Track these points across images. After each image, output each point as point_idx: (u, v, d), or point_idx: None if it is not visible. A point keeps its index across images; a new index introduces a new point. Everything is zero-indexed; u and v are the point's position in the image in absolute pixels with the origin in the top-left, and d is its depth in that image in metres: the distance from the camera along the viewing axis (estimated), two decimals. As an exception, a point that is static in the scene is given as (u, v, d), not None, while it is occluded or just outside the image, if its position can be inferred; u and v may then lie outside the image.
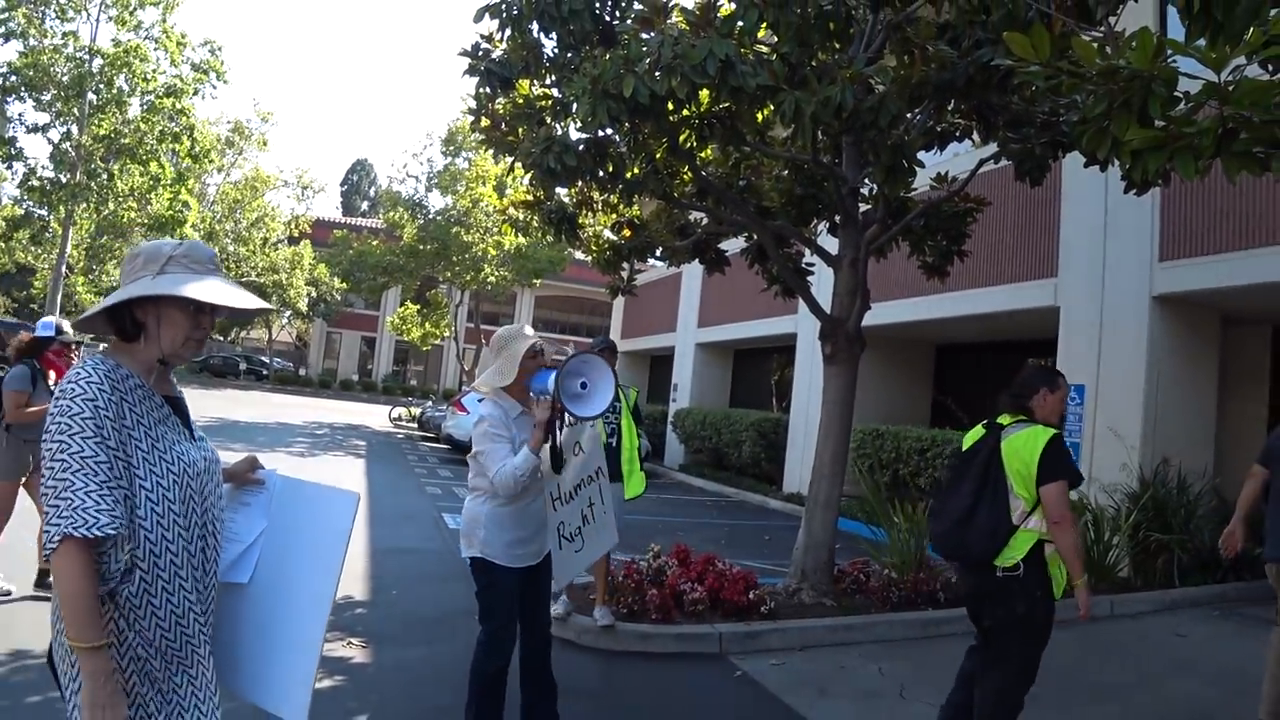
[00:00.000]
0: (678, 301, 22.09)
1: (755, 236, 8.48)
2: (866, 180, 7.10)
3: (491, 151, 7.48)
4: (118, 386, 1.98)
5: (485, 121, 7.18)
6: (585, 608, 6.31)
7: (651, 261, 10.35)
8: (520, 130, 6.89)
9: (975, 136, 6.56)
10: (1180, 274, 9.10)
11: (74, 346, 6.01)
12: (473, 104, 7.22)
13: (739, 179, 8.36)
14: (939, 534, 4.01)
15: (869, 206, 7.66)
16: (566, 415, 3.75)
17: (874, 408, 14.12)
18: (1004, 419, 4.01)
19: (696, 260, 9.37)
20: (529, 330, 3.89)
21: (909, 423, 13.61)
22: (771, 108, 5.32)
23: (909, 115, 5.80)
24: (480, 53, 6.72)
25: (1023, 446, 3.80)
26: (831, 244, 7.81)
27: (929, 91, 5.10)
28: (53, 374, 5.78)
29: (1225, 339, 10.14)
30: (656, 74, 4.97)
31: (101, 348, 2.15)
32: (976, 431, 4.11)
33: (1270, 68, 3.35)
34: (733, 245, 9.62)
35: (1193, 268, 8.97)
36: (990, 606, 3.91)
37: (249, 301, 2.16)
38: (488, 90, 6.89)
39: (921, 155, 6.50)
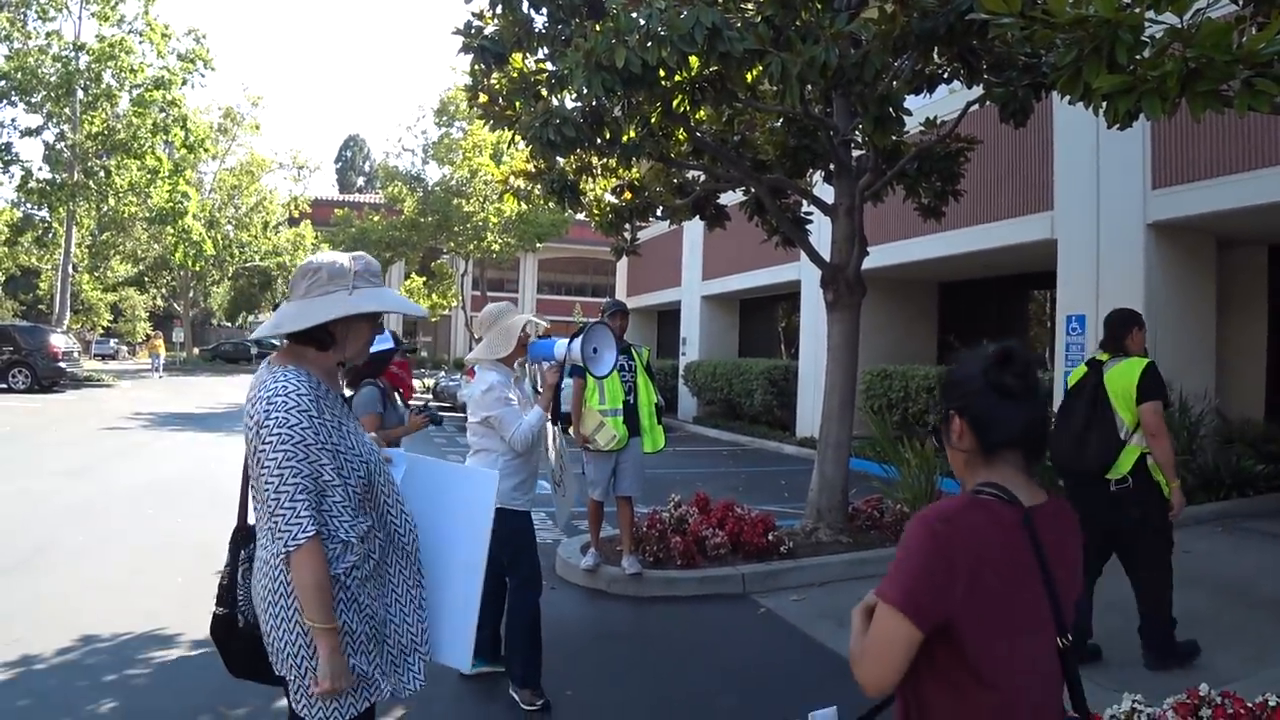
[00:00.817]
0: (681, 256, 22.23)
1: (753, 190, 8.65)
2: (857, 130, 7.25)
3: (492, 127, 7.64)
4: (314, 390, 2.18)
5: (483, 97, 7.35)
6: (613, 558, 6.61)
7: (653, 220, 10.54)
8: (517, 104, 7.06)
9: (960, 81, 6.70)
10: (1173, 200, 9.25)
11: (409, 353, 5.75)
12: (469, 81, 7.40)
13: (733, 135, 8.51)
14: (1059, 452, 4.67)
15: (862, 154, 7.82)
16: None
17: (881, 349, 14.33)
18: (1102, 356, 4.73)
19: (697, 217, 9.55)
20: (513, 308, 4.37)
21: (916, 362, 13.84)
22: (760, 68, 5.49)
23: (894, 63, 5.94)
24: (473, 30, 6.86)
25: (1123, 374, 4.52)
26: (827, 193, 7.99)
27: (911, 41, 5.26)
28: (397, 389, 5.27)
29: (1221, 262, 10.31)
30: (647, 44, 5.14)
31: (271, 356, 2.35)
32: (1080, 370, 4.83)
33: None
34: (732, 199, 9.78)
35: (1186, 193, 9.12)
36: (1106, 517, 4.48)
37: (418, 309, 2.58)
38: (482, 67, 7.05)
39: (910, 100, 6.65)
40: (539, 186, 8.66)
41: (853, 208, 7.47)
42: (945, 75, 7.18)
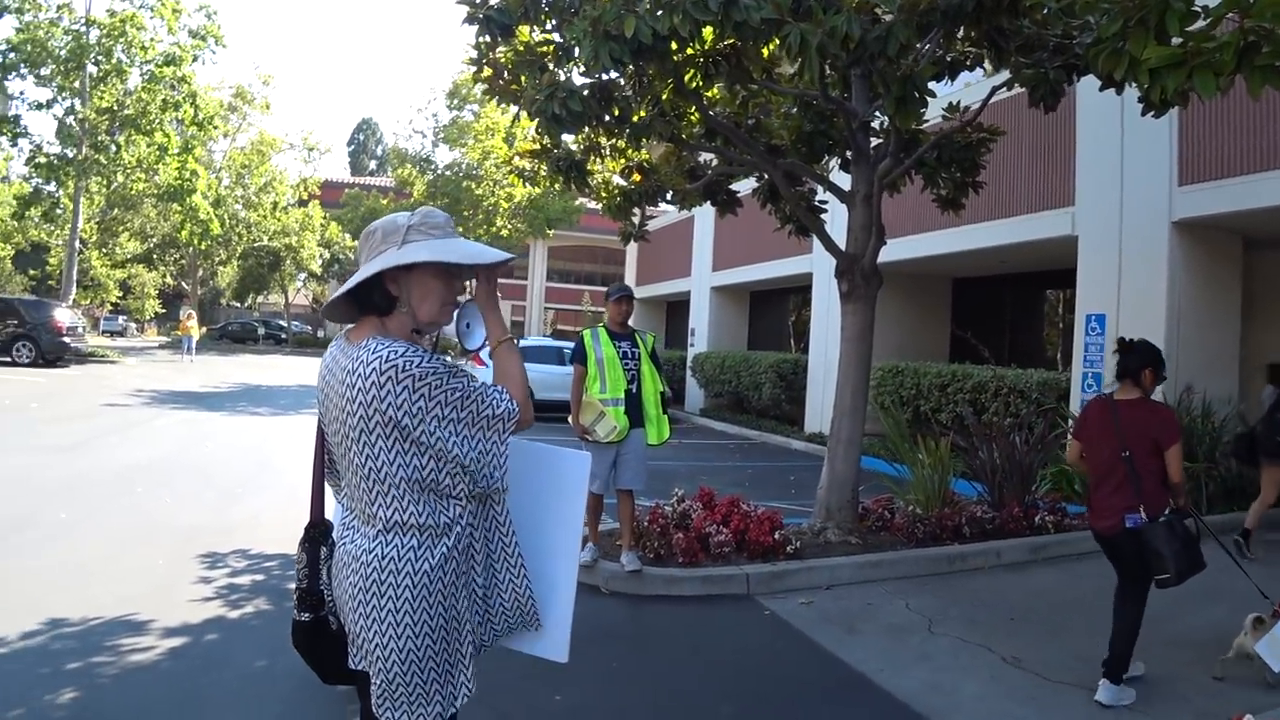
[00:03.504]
0: (691, 246, 21.95)
1: (766, 176, 8.36)
2: (877, 114, 6.96)
3: (497, 101, 7.37)
4: (421, 352, 2.01)
5: (487, 71, 7.07)
6: (612, 553, 6.35)
7: (663, 206, 10.26)
8: (523, 78, 6.77)
9: (987, 65, 6.40)
10: (1200, 198, 8.94)
11: None
12: (473, 54, 7.12)
13: (747, 118, 8.22)
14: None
15: (880, 141, 7.53)
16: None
17: (893, 344, 14.05)
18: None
19: (708, 203, 9.27)
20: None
21: (928, 358, 13.55)
22: (777, 42, 5.20)
23: (918, 46, 5.65)
24: (478, 1, 6.59)
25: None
26: (844, 181, 7.70)
27: (937, 18, 4.96)
28: None
29: (1248, 263, 9.99)
30: (658, 12, 4.86)
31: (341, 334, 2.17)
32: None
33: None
34: (744, 186, 9.50)
35: (1213, 191, 8.80)
36: None
37: (494, 255, 2.19)
38: (488, 39, 6.78)
39: (932, 86, 6.36)
40: (545, 166, 8.38)
41: (870, 195, 7.18)
42: (969, 62, 6.89)
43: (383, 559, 1.98)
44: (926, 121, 7.58)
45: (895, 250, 12.00)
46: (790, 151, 8.05)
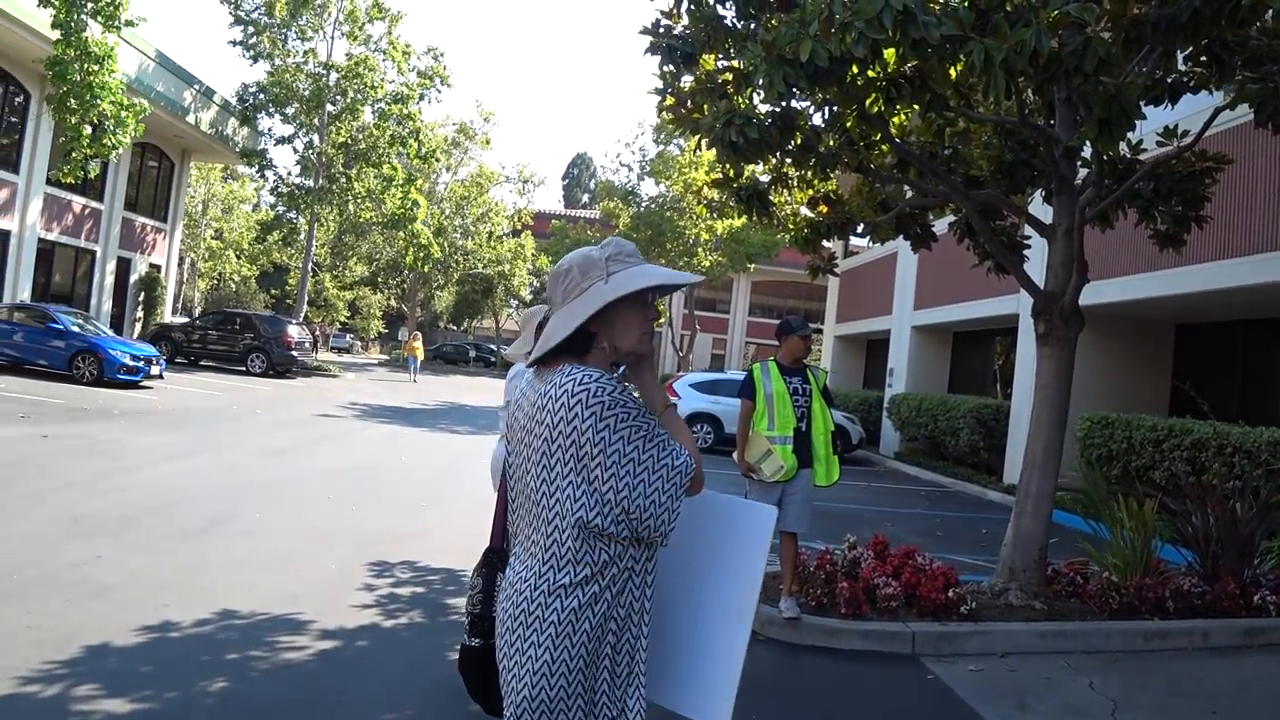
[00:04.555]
0: (893, 283, 21.23)
1: (962, 210, 7.89)
2: (1079, 137, 6.40)
3: (680, 131, 7.33)
4: (618, 386, 2.04)
5: (671, 100, 7.04)
6: (771, 596, 6.07)
7: (856, 241, 9.91)
8: (705, 106, 6.70)
9: (1210, 87, 5.72)
10: None
11: None
12: (659, 84, 7.11)
13: (943, 148, 7.80)
14: None
15: (1087, 171, 6.94)
16: None
17: (1100, 394, 12.96)
18: None
19: (901, 236, 8.85)
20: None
21: (1144, 411, 12.38)
22: (962, 63, 4.84)
23: (1127, 65, 5.14)
24: (661, 29, 6.58)
25: None
26: (1046, 214, 7.15)
27: (1148, 32, 4.46)
28: None
29: None
30: (831, 32, 4.65)
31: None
32: None
33: None
34: (942, 223, 9.01)
35: None
36: None
37: (690, 277, 2.23)
38: (671, 69, 6.75)
39: (1150, 110, 5.78)
40: (728, 196, 8.25)
41: (1072, 229, 6.61)
42: (1190, 83, 6.22)
43: (534, 589, 1.97)
44: (1144, 150, 6.93)
45: (1106, 291, 11.11)
46: (989, 182, 7.56)
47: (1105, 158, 6.22)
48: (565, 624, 1.94)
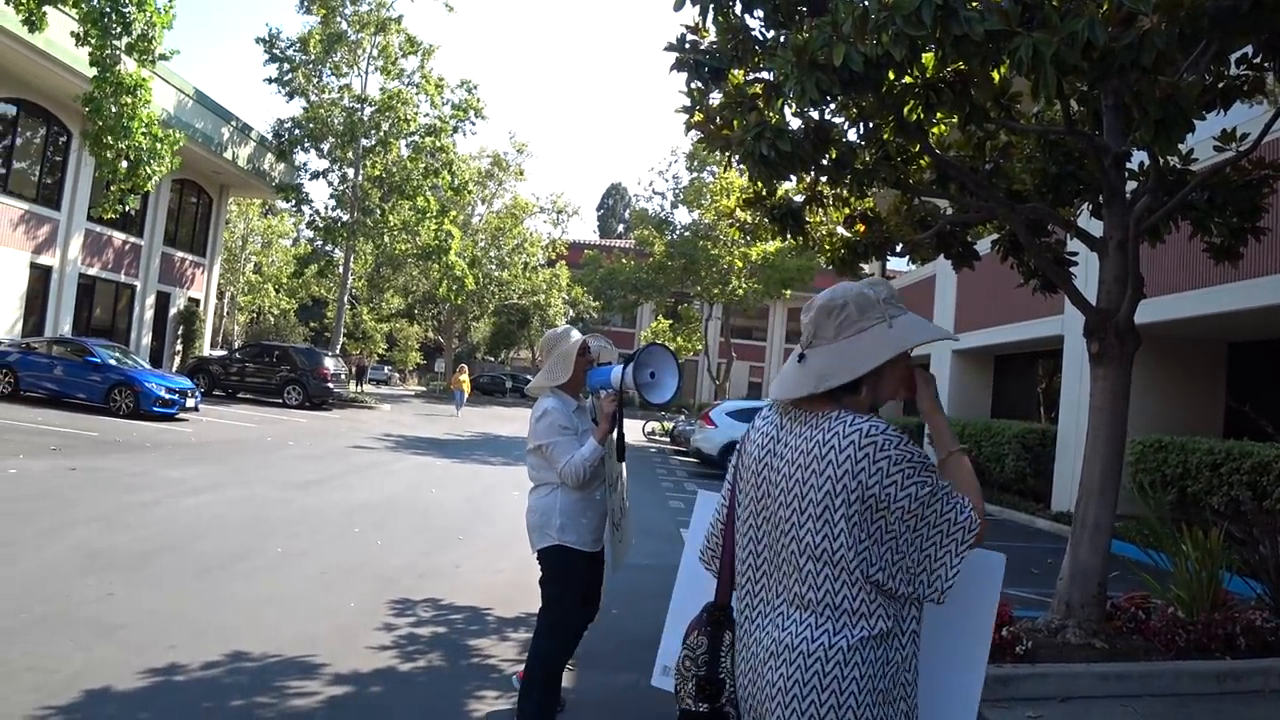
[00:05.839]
0: (932, 306, 20.81)
1: (1007, 225, 7.55)
2: (1134, 146, 6.07)
3: (709, 149, 7.09)
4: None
5: (698, 117, 6.80)
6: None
7: (895, 264, 9.60)
8: (735, 122, 6.45)
9: (1268, 88, 5.37)
10: None
11: None
12: (686, 101, 6.88)
13: (984, 162, 7.48)
14: None
15: (1139, 182, 6.60)
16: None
17: (1152, 416, 12.47)
18: None
19: (941, 255, 8.52)
20: (575, 332, 4.06)
21: (1199, 433, 11.87)
22: (1007, 65, 4.55)
23: (1180, 59, 4.81)
24: (687, 44, 6.35)
25: None
26: (1095, 228, 6.80)
27: (1204, 25, 4.15)
28: None
29: None
30: (866, 33, 4.38)
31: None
32: None
33: None
34: (984, 243, 8.66)
35: None
36: None
37: (949, 332, 2.33)
38: (699, 85, 6.51)
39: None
40: (761, 215, 7.98)
41: (1125, 241, 6.25)
42: (1246, 87, 5.87)
43: (829, 648, 1.84)
44: (1195, 160, 6.58)
45: (1159, 309, 10.67)
46: (1033, 196, 7.23)
47: (1160, 164, 5.87)
48: (878, 679, 1.84)
